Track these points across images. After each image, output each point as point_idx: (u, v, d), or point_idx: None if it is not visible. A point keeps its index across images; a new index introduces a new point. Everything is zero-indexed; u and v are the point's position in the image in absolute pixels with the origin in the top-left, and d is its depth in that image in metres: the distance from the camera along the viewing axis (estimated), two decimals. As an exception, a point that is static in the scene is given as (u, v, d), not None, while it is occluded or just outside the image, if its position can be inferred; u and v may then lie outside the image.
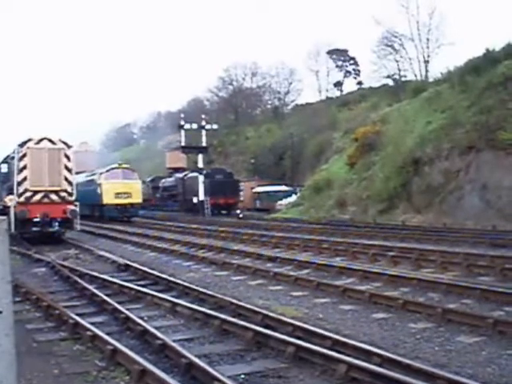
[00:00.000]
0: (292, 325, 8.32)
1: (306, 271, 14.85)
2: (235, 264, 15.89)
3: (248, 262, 16.72)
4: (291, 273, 14.24)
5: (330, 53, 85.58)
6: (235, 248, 20.17)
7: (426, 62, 61.37)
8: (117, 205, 39.60)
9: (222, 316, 8.95)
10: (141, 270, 15.05)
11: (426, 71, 60.73)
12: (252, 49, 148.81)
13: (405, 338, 8.16)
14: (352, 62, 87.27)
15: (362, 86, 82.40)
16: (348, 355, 6.74)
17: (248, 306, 9.86)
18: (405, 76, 65.40)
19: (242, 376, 6.66)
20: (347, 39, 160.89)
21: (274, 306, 10.43)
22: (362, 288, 11.80)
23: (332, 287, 11.99)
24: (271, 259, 17.13)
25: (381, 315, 9.62)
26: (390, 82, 67.62)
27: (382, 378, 5.95)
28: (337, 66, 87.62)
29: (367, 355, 6.77)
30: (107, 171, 41.03)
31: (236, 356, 7.49)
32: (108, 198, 39.60)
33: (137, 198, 41.29)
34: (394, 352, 7.15)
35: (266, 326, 8.43)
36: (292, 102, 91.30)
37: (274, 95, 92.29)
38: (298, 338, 7.70)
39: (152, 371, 6.23)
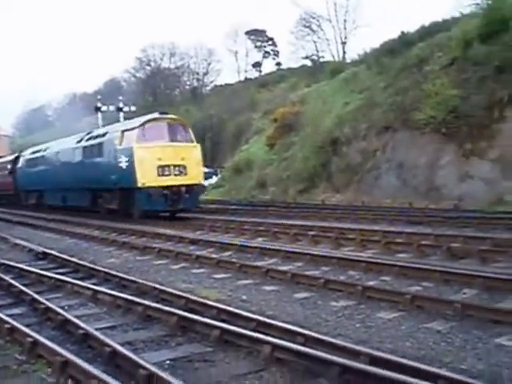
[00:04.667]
0: (216, 308, 8.31)
1: (228, 253, 14.87)
2: (157, 248, 15.71)
3: (170, 246, 16.60)
4: (213, 255, 14.23)
5: (248, 33, 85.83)
6: (157, 231, 19.94)
7: (344, 43, 62.82)
8: (163, 188, 22.89)
9: (145, 302, 8.83)
10: (60, 257, 14.67)
11: (344, 52, 62.23)
12: (169, 28, 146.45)
13: (327, 317, 8.31)
14: (270, 42, 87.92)
15: (281, 67, 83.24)
16: (272, 336, 6.80)
17: (171, 290, 9.77)
18: (323, 57, 66.65)
19: (168, 362, 6.60)
20: (265, 20, 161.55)
21: (197, 290, 10.39)
22: (285, 268, 11.91)
23: (254, 268, 12.04)
24: (193, 242, 17.07)
25: (303, 295, 9.75)
26: (309, 63, 68.65)
27: (307, 357, 6.02)
28: (256, 47, 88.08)
29: (291, 335, 6.84)
30: (141, 125, 23.89)
31: (161, 342, 7.41)
32: (146, 177, 22.68)
33: (196, 177, 24.32)
34: (316, 331, 7.25)
35: (190, 310, 8.40)
36: (211, 82, 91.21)
37: (193, 76, 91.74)
38: (223, 321, 7.70)
39: (74, 362, 6.06)
